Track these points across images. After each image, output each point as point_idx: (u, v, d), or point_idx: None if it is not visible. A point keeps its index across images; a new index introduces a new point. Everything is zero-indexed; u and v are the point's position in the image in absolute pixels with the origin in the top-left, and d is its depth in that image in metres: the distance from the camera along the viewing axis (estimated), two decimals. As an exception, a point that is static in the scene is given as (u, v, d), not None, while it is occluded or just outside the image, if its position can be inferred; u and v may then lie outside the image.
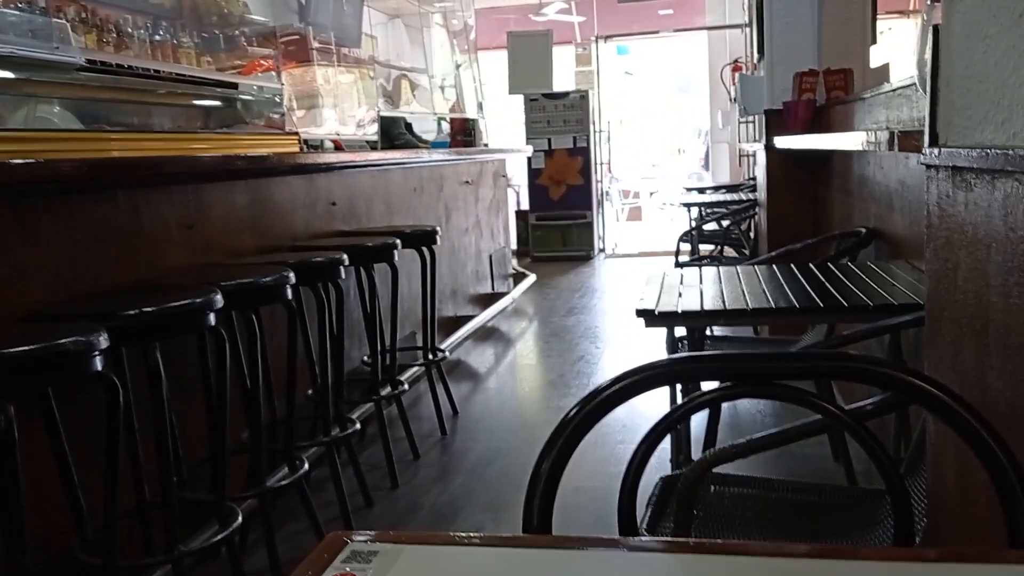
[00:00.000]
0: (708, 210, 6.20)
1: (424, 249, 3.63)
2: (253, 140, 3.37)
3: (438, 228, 3.68)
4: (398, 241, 3.18)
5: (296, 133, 3.60)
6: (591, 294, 7.00)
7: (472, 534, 0.76)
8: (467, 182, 5.47)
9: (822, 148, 3.11)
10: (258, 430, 2.35)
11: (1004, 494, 0.82)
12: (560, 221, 8.88)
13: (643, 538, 0.83)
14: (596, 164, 9.10)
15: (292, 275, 2.36)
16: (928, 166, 1.20)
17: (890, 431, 2.09)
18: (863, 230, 2.93)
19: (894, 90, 2.46)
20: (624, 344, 5.06)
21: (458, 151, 5.30)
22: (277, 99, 3.87)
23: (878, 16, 4.97)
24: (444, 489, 3.09)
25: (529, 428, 3.70)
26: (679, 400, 2.73)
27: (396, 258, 3.17)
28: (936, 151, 1.16)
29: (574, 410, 0.88)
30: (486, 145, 6.33)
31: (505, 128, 9.26)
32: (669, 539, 0.76)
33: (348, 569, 0.73)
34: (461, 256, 5.29)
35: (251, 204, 2.98)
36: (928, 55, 1.23)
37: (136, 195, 2.42)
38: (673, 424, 0.89)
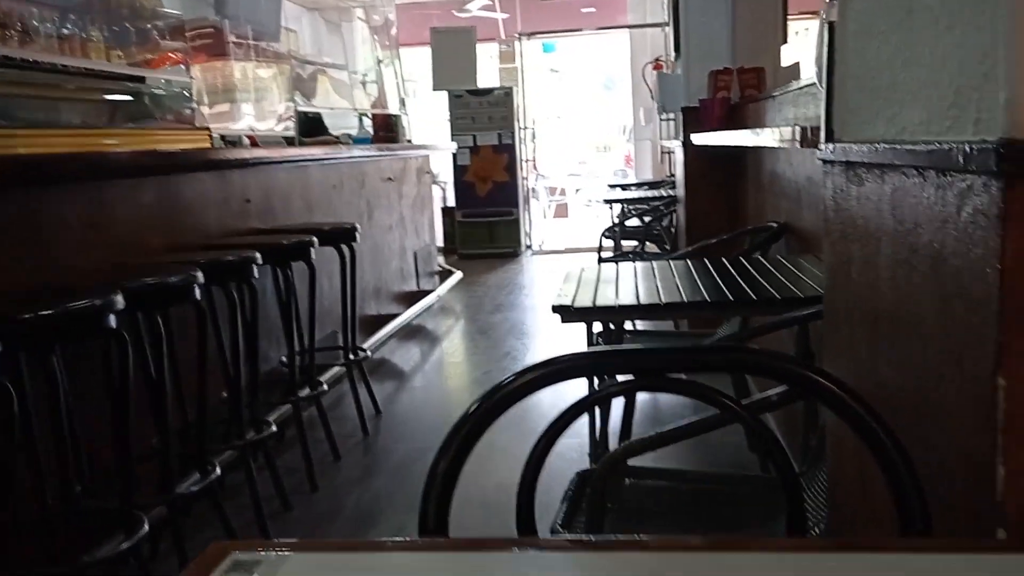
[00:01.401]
0: (630, 207, 6.26)
1: (343, 247, 3.57)
2: (162, 136, 3.27)
3: (358, 225, 3.63)
4: (315, 239, 3.12)
5: (207, 128, 3.50)
6: (518, 291, 7.01)
7: (360, 540, 0.74)
8: (390, 179, 5.41)
9: (735, 144, 3.16)
10: (167, 435, 2.28)
11: (893, 482, 0.83)
12: (487, 218, 8.86)
13: (539, 538, 0.82)
14: (522, 161, 9.12)
15: (200, 275, 2.29)
16: (824, 161, 1.22)
17: (799, 422, 2.13)
18: (774, 225, 2.99)
19: (801, 88, 2.51)
20: (550, 340, 5.07)
21: (380, 147, 5.24)
22: (187, 93, 3.76)
23: (794, 16, 5.08)
24: (366, 490, 3.05)
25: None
26: (598, 395, 2.75)
27: (313, 256, 3.11)
28: (831, 147, 1.18)
29: (474, 406, 0.86)
30: (409, 141, 6.28)
31: (430, 125, 9.21)
32: (565, 538, 0.76)
33: (230, 580, 0.70)
34: (385, 253, 5.24)
35: (160, 202, 2.89)
36: (825, 52, 1.25)
37: (38, 193, 2.32)
38: (570, 419, 0.89)
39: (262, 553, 0.73)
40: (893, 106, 0.98)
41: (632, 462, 2.09)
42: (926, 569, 0.68)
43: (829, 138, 1.20)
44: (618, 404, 2.55)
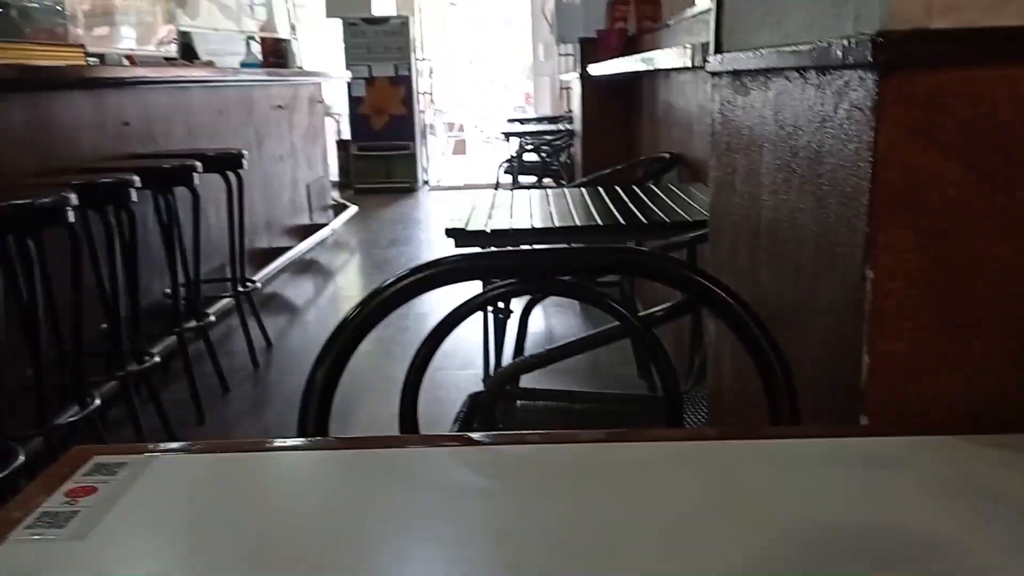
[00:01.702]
0: (528, 141, 6.24)
1: (230, 174, 3.44)
2: (31, 50, 3.05)
3: (245, 153, 3.50)
4: (199, 164, 2.99)
5: (81, 45, 3.29)
6: (414, 225, 6.94)
7: (226, 440, 0.71)
8: (280, 107, 5.22)
9: (631, 72, 3.16)
10: (41, 366, 2.17)
11: (766, 380, 0.85)
12: (383, 152, 8.70)
13: (420, 435, 0.81)
14: (419, 94, 8.95)
15: (73, 197, 2.16)
16: (713, 74, 1.23)
17: (687, 344, 2.18)
18: (667, 155, 3.02)
19: (695, 15, 2.51)
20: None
21: (268, 72, 5.04)
22: (59, 8, 3.51)
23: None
24: (256, 422, 2.99)
25: (357, 361, 3.63)
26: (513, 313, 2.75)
27: (196, 182, 2.98)
28: (719, 58, 1.18)
29: (352, 312, 0.84)
30: (300, 68, 6.07)
31: (323, 55, 8.91)
32: (444, 434, 0.75)
33: (91, 482, 0.67)
34: (275, 185, 5.08)
35: (28, 122, 2.71)
36: (714, -36, 1.25)
37: None
38: (453, 324, 0.87)
39: (127, 456, 0.70)
40: (778, 12, 0.98)
41: (524, 384, 2.11)
42: (794, 454, 0.70)
43: (717, 49, 1.20)
44: (514, 329, 2.56)
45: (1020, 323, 0.73)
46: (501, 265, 0.87)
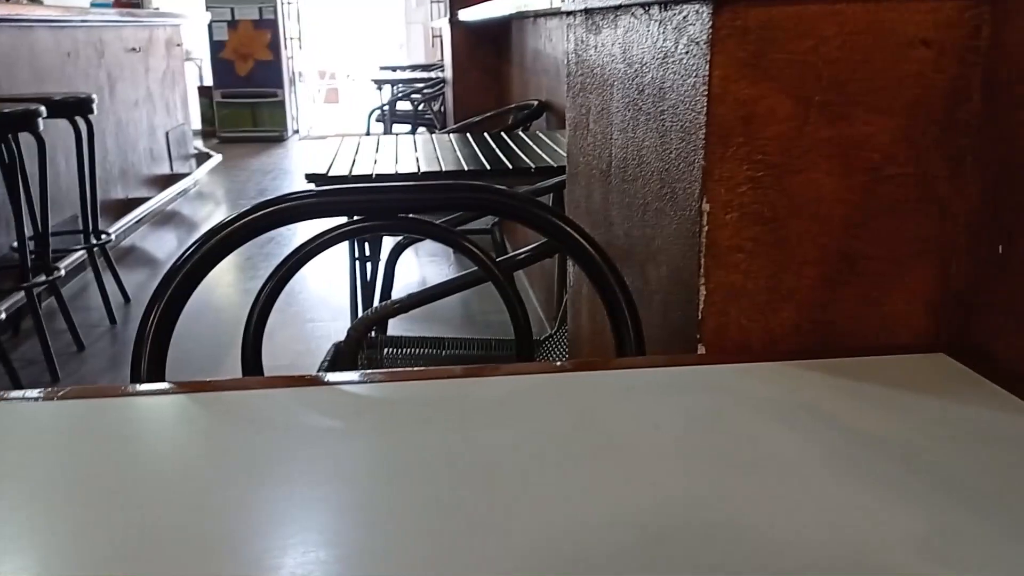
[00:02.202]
0: (401, 89, 6.14)
1: (79, 120, 3.24)
2: None
3: (95, 97, 3.30)
4: (43, 108, 2.80)
5: (-101, -24, 3.00)
6: (283, 176, 6.74)
7: (57, 388, 0.68)
8: (134, 50, 4.94)
9: (501, 16, 3.13)
10: None
11: (612, 312, 0.87)
12: (249, 99, 8.39)
13: (265, 376, 0.79)
14: (286, 39, 8.64)
15: None
16: (567, 13, 1.23)
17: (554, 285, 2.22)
18: (536, 102, 3.02)
19: (560, -41, 2.50)
20: (318, 223, 4.94)
21: (121, 12, 4.75)
22: None
23: None
24: (113, 379, 2.87)
25: (214, 311, 3.52)
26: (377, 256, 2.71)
27: (41, 128, 2.79)
28: (574, -3, 1.18)
29: (188, 251, 0.80)
30: (156, 9, 5.74)
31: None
32: (289, 375, 0.73)
33: None
34: (131, 132, 4.82)
35: None
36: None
37: None
38: (297, 264, 0.85)
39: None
40: (627, -49, 0.99)
41: (392, 332, 2.09)
42: (637, 383, 0.72)
43: (572, -11, 1.20)
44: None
45: (845, 253, 0.76)
46: (347, 202, 0.85)
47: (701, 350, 0.78)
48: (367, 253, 2.47)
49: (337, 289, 3.73)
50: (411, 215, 0.91)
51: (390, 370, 0.76)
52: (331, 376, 0.75)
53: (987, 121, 0.74)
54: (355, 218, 0.87)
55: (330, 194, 0.85)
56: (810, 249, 0.76)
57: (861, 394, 0.69)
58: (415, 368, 0.75)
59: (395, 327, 2.43)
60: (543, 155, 2.23)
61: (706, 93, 0.72)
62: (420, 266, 4.16)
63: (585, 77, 1.17)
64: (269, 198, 0.84)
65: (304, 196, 0.83)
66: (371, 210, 0.84)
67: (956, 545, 0.49)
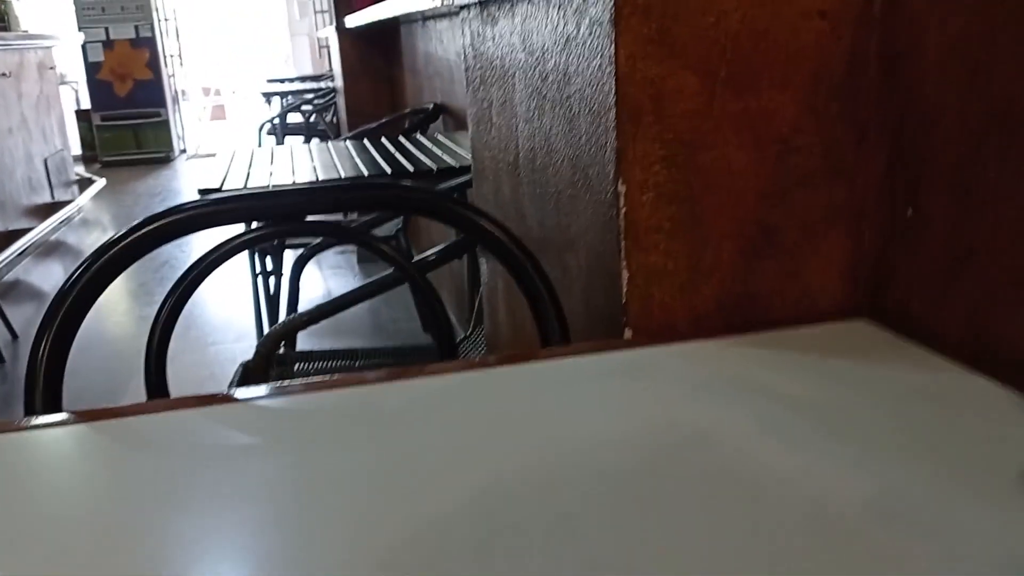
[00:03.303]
0: (291, 101, 6.01)
1: (-55, 149, 3.05)
2: None
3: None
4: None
5: None
6: (173, 196, 6.51)
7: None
8: (4, 74, 4.69)
9: (389, 19, 3.09)
10: None
11: (534, 303, 0.85)
12: (131, 120, 8.08)
13: (172, 398, 0.74)
14: (166, 57, 8.36)
15: None
16: (461, 7, 1.20)
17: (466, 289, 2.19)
18: (431, 105, 2.99)
19: (446, -41, 2.48)
20: (214, 242, 4.78)
21: (-16, 36, 4.50)
22: None
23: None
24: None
25: (110, 343, 3.36)
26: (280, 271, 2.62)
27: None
28: (466, -10, 1.16)
29: (77, 271, 0.74)
30: (26, 32, 5.47)
31: (50, 16, 8.10)
32: (196, 395, 0.68)
33: None
34: (6, 161, 4.57)
35: None
36: None
37: None
38: (200, 276, 0.80)
39: None
40: (518, -61, 0.97)
41: (302, 347, 2.03)
42: (563, 372, 0.70)
43: (464, -18, 1.18)
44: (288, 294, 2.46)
45: (761, 226, 0.76)
46: (249, 208, 0.80)
47: (628, 334, 0.76)
48: (269, 268, 2.39)
49: (239, 309, 3.61)
50: (316, 219, 0.87)
51: (305, 380, 0.72)
52: (242, 392, 0.71)
53: (886, 89, 0.75)
54: (256, 226, 0.83)
55: (230, 201, 0.80)
56: (727, 224, 0.76)
57: (789, 365, 0.69)
58: (333, 377, 0.71)
59: (303, 343, 2.36)
60: (444, 156, 2.21)
61: (613, 74, 0.71)
62: (324, 279, 4.08)
63: (484, 70, 1.15)
64: (162, 210, 0.79)
65: (202, 204, 0.78)
66: (274, 215, 0.80)
67: (908, 504, 0.49)
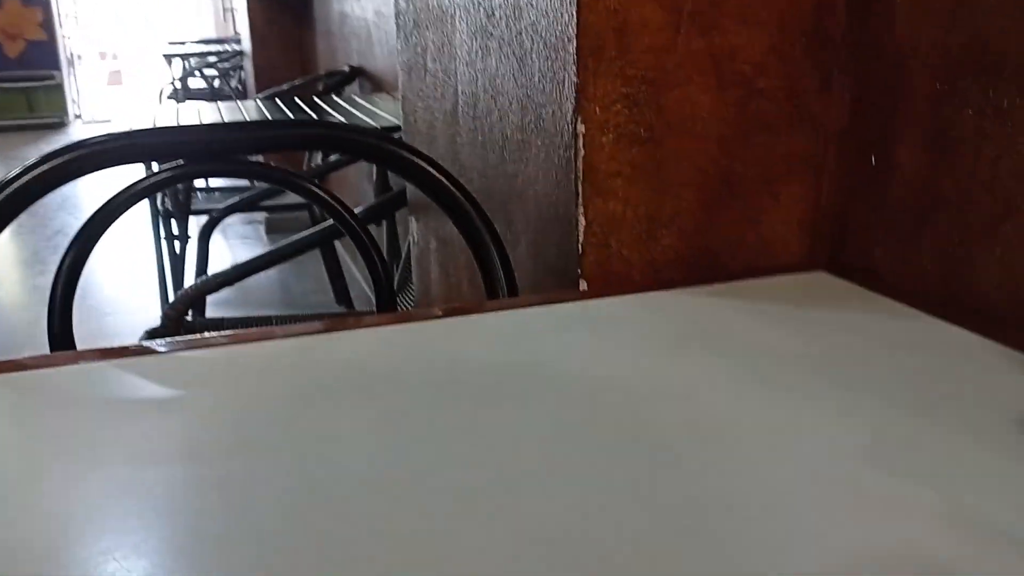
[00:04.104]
0: (194, 64, 5.75)
1: None
2: None
3: None
4: None
5: None
6: (67, 163, 6.18)
7: None
8: None
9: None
10: None
11: (479, 255, 0.80)
12: (22, 83, 7.63)
13: (75, 351, 0.66)
14: (61, 17, 7.91)
15: None
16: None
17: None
18: (347, 68, 2.89)
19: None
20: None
21: None
22: None
23: None
24: None
25: (3, 315, 3.17)
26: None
27: None
28: (399, -73, 1.09)
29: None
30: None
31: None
32: (107, 348, 0.61)
33: None
34: None
35: None
36: None
37: None
38: (106, 220, 0.72)
39: None
40: None
41: (212, 314, 1.93)
42: (514, 323, 0.65)
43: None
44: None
45: (723, 174, 0.73)
46: (166, 144, 0.72)
47: (583, 286, 0.72)
48: (175, 233, 2.27)
49: (140, 279, 3.44)
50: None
51: (230, 332, 0.65)
52: (160, 344, 0.64)
53: (853, 32, 0.72)
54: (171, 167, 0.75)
55: (144, 135, 0.72)
56: (688, 171, 0.72)
57: (757, 315, 0.65)
58: (260, 328, 0.65)
59: (211, 314, 2.25)
60: (364, 117, 2.12)
61: (575, 2, 0.66)
62: (231, 248, 3.93)
63: (419, 13, 1.08)
64: (67, 144, 0.71)
65: (111, 139, 0.70)
66: (198, 151, 0.71)
67: (904, 451, 0.46)
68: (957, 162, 0.64)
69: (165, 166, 0.71)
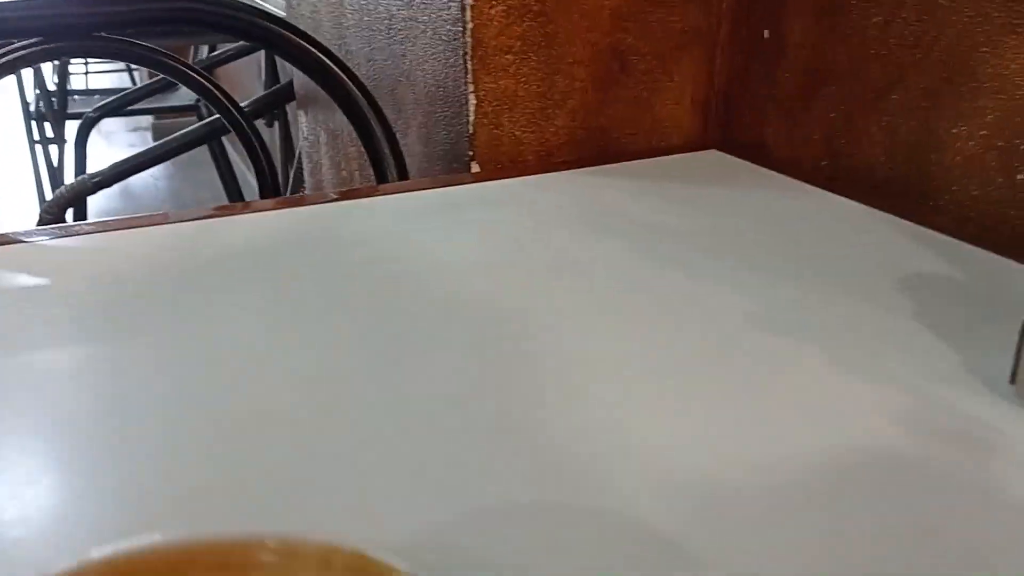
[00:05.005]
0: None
1: None
2: None
3: None
4: None
5: None
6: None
7: None
8: None
9: None
10: None
11: (367, 143, 0.77)
12: None
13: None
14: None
15: None
16: None
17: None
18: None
19: None
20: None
21: None
22: None
23: None
24: None
25: None
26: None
27: None
28: None
29: None
30: None
31: None
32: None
33: None
34: None
35: None
36: None
37: None
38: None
39: None
40: None
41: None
42: (411, 204, 0.63)
43: None
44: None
45: (615, 50, 0.71)
46: (16, 18, 0.65)
47: (475, 168, 0.70)
48: (50, 136, 2.13)
49: (13, 190, 3.24)
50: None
51: (100, 219, 0.61)
52: (25, 233, 0.59)
53: (745, -100, 0.70)
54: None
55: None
56: (581, 47, 0.70)
57: (649, 193, 0.65)
58: (134, 216, 0.61)
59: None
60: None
61: None
62: (112, 154, 3.73)
63: None
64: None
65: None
66: (48, 27, 0.65)
67: (788, 312, 0.46)
68: (847, 31, 0.64)
69: (17, 44, 0.65)
